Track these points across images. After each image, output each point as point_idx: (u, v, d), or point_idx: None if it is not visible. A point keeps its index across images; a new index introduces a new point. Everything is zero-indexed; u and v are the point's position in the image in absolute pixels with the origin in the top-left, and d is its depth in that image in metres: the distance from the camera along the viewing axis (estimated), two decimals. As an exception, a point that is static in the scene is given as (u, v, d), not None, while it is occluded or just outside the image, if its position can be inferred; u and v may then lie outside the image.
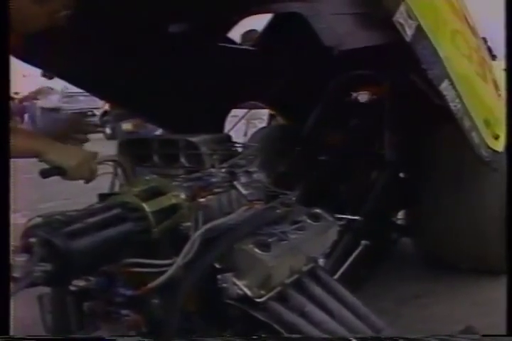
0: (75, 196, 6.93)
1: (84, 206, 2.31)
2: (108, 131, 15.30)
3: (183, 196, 2.31)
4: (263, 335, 2.31)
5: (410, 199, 4.35)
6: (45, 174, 2.25)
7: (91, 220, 2.07)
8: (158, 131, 7.57)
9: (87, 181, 2.36)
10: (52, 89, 13.46)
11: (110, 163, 2.54)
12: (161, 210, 2.21)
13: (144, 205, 2.18)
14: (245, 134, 7.61)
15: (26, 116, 23.51)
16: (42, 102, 14.12)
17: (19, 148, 2.12)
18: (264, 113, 7.71)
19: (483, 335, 2.29)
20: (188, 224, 2.27)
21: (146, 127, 7.55)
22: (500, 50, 2.85)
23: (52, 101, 13.96)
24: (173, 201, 2.27)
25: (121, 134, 8.25)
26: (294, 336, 2.28)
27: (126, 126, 8.06)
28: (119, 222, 2.12)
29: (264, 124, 7.47)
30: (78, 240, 1.95)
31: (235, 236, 2.33)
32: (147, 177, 2.48)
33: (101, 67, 3.89)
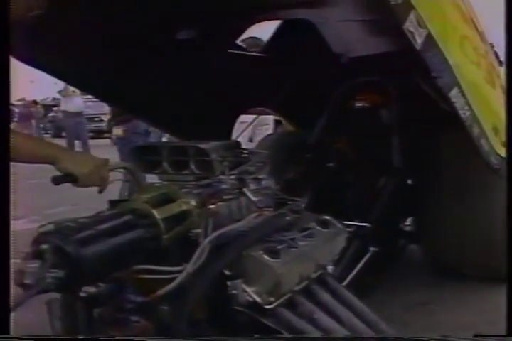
0: (83, 202, 6.96)
1: (92, 211, 2.32)
2: (115, 136, 15.24)
3: (193, 202, 2.32)
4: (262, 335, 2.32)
5: (418, 206, 4.35)
6: (56, 181, 2.26)
7: (102, 227, 2.07)
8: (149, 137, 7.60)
9: (101, 189, 2.37)
10: (74, 91, 13.13)
11: (121, 169, 2.55)
12: (171, 217, 2.22)
13: (154, 212, 2.19)
14: (251, 140, 7.61)
15: (33, 121, 23.61)
16: (65, 106, 13.78)
17: (32, 155, 2.14)
18: (271, 119, 7.70)
19: (480, 335, 2.28)
20: (198, 230, 2.28)
21: (136, 133, 7.55)
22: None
23: (76, 104, 13.70)
24: (184, 207, 2.28)
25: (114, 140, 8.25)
26: (294, 336, 2.29)
27: (117, 131, 8.05)
28: (129, 229, 2.13)
29: (270, 131, 7.47)
30: (89, 247, 1.96)
31: (244, 243, 2.33)
32: (157, 184, 2.49)
33: (108, 73, 3.91)
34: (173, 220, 2.23)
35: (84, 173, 2.25)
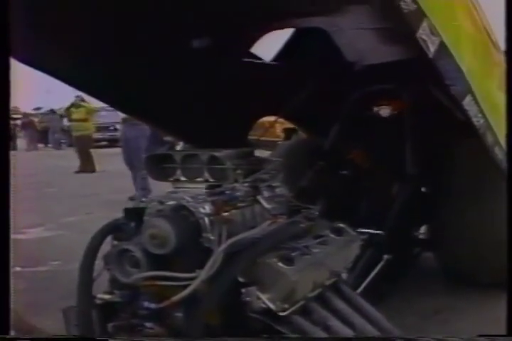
0: (96, 210, 6.99)
1: (106, 220, 2.33)
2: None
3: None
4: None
5: (432, 214, 4.34)
6: None
7: None
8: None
9: None
10: None
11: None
12: None
13: None
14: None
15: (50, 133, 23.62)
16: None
17: None
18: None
19: (481, 335, 2.27)
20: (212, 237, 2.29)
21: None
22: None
23: None
24: None
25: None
26: (294, 336, 2.29)
27: None
28: None
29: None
30: None
31: (258, 250, 2.34)
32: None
33: (124, 81, 3.93)
34: None
35: None
